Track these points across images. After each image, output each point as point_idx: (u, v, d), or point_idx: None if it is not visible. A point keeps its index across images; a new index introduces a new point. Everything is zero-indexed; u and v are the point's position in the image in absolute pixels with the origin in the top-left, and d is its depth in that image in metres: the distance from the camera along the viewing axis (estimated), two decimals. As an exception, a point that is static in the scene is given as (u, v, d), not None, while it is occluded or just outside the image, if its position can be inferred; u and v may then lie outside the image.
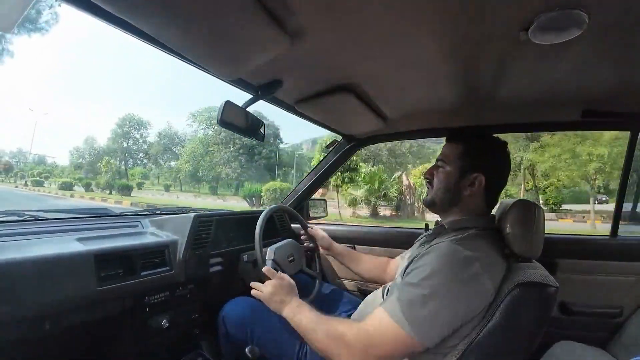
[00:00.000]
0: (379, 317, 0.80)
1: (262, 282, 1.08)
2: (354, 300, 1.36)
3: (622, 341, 1.29)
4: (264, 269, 1.10)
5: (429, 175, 1.04)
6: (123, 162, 37.49)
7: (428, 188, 1.04)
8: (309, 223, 1.64)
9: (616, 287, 1.36)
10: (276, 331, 1.11)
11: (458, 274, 0.78)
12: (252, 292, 1.07)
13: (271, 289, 1.03)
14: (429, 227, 1.58)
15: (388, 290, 1.07)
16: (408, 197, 18.61)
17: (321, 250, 1.52)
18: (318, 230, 1.53)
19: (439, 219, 1.06)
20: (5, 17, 0.73)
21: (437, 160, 1.03)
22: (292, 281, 1.07)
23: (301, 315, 0.93)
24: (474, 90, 1.15)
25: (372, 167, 21.49)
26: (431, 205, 1.03)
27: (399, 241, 1.66)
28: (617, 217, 1.45)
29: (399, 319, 0.76)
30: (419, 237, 1.13)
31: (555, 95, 1.13)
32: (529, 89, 1.10)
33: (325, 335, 0.84)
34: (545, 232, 0.96)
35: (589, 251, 1.43)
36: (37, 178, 35.04)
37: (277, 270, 1.24)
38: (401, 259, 1.25)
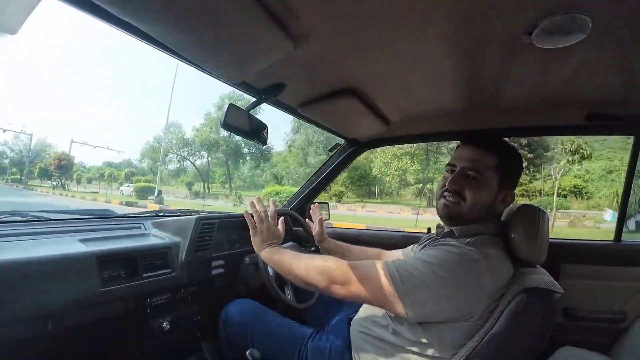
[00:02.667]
0: (373, 262, 0.83)
1: (264, 287, 1.09)
2: (355, 303, 1.35)
3: (625, 347, 1.27)
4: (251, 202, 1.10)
5: (458, 187, 0.90)
6: (225, 162, 27.88)
7: (450, 198, 0.92)
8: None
9: (620, 293, 1.35)
10: (277, 333, 1.10)
11: (461, 272, 0.78)
12: (246, 217, 1.06)
13: (264, 227, 1.03)
14: (432, 232, 1.58)
15: None
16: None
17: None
18: (318, 224, 1.45)
19: (441, 222, 1.03)
20: (11, 20, 0.73)
21: (464, 168, 0.91)
22: (282, 234, 1.08)
23: (282, 253, 0.96)
24: (477, 94, 1.15)
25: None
26: (457, 219, 0.92)
27: (403, 244, 1.65)
28: (620, 222, 1.44)
29: (392, 271, 0.78)
30: (423, 239, 1.12)
31: (559, 99, 1.13)
32: (532, 92, 1.10)
33: (307, 264, 0.88)
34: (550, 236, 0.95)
35: (592, 256, 1.42)
36: (143, 184, 22.85)
37: (277, 274, 1.23)
38: (402, 255, 1.24)
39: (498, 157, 0.90)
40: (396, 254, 1.27)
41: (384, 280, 0.78)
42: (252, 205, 1.06)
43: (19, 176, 28.22)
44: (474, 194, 0.89)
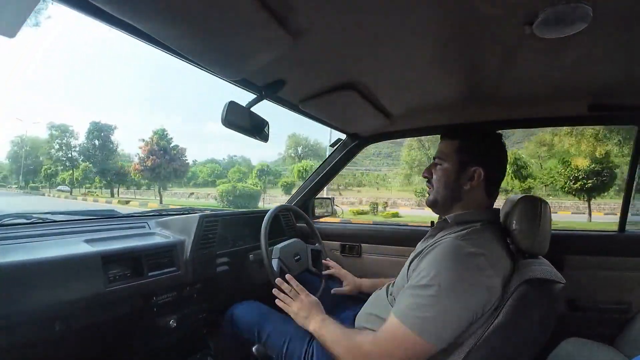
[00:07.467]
0: (392, 324, 0.80)
1: (269, 283, 1.10)
2: (359, 298, 1.36)
3: (630, 337, 1.27)
4: (277, 281, 1.12)
5: (428, 174, 1.03)
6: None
7: (429, 188, 1.03)
8: (315, 221, 1.64)
9: (624, 283, 1.35)
10: (283, 331, 1.11)
11: (463, 272, 0.78)
12: (279, 303, 1.09)
13: (298, 305, 1.06)
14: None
15: (390, 289, 1.07)
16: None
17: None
18: (342, 270, 1.47)
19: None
20: (8, 23, 0.73)
21: (434, 158, 1.02)
22: (314, 298, 1.09)
23: (325, 330, 0.95)
24: (478, 86, 1.15)
25: None
26: (433, 205, 1.02)
27: (406, 239, 1.66)
28: (624, 212, 1.44)
29: (411, 324, 0.76)
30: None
31: (560, 89, 1.12)
32: (534, 83, 1.09)
33: (345, 350, 0.87)
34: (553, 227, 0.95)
35: (596, 247, 1.42)
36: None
37: (282, 270, 1.24)
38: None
39: (459, 141, 0.99)
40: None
41: (408, 336, 0.76)
42: (280, 283, 1.12)
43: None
44: (438, 177, 1.00)
